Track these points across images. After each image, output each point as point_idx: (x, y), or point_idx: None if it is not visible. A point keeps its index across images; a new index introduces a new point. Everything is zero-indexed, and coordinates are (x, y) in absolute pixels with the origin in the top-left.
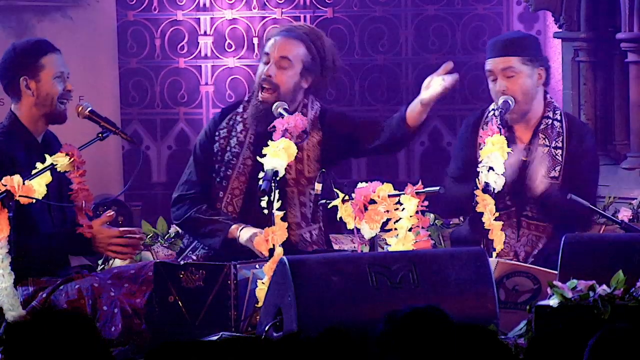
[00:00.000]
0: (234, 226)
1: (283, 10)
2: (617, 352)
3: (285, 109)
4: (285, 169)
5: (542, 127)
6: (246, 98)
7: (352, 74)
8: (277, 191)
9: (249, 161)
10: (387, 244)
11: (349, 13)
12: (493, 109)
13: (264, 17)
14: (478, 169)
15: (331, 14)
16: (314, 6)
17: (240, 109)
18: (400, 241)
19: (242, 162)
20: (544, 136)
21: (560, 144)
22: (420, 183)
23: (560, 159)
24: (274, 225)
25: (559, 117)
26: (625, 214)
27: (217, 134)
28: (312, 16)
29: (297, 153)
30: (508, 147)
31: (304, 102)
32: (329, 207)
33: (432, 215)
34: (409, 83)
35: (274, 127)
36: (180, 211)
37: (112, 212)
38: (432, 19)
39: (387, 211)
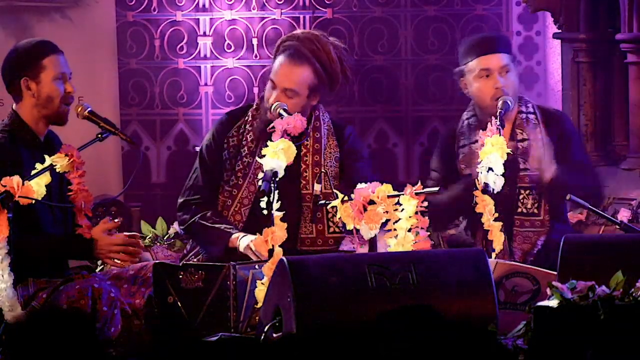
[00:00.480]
0: (234, 236)
1: (282, 11)
2: None
3: (284, 110)
4: (302, 183)
5: (517, 122)
6: (255, 105)
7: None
8: (276, 192)
9: (259, 171)
10: (386, 245)
11: (348, 14)
12: (467, 118)
13: (263, 18)
14: (477, 170)
15: (330, 14)
16: (313, 7)
17: (249, 117)
18: (399, 242)
19: (252, 172)
20: (520, 131)
21: (539, 135)
22: (419, 184)
23: (541, 149)
24: (274, 225)
25: (531, 110)
26: (624, 215)
27: (225, 141)
28: (312, 17)
29: (315, 169)
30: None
31: (315, 115)
32: (328, 207)
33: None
34: (408, 84)
35: (273, 127)
36: (186, 216)
37: (118, 220)
38: (432, 19)
39: (387, 212)
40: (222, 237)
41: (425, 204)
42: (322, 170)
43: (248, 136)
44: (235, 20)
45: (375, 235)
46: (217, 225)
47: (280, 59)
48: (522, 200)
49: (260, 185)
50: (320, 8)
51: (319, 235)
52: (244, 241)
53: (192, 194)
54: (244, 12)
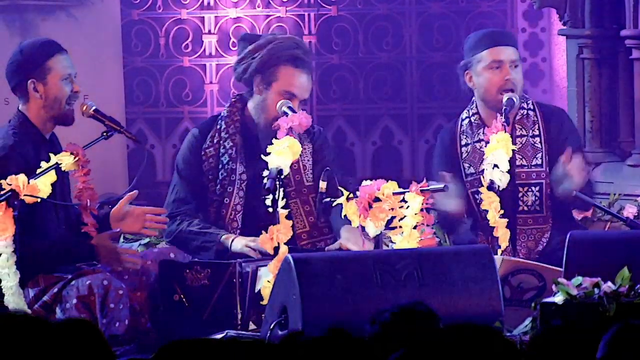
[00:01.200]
0: (223, 237)
1: (287, 8)
2: (635, 347)
3: (289, 107)
4: (285, 181)
5: (517, 118)
6: (225, 113)
7: (356, 72)
8: (281, 189)
9: (244, 176)
10: (391, 242)
11: (353, 11)
12: (468, 116)
13: (268, 16)
14: (483, 167)
15: (335, 12)
16: (318, 4)
17: (222, 125)
18: (405, 239)
19: (238, 178)
20: (520, 126)
21: (537, 132)
22: (425, 181)
23: (539, 146)
24: (279, 223)
25: (531, 107)
26: (630, 211)
27: (203, 153)
28: (317, 14)
29: (294, 164)
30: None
31: None
32: (333, 205)
33: (436, 213)
34: (413, 81)
35: (278, 125)
36: (172, 227)
37: (119, 230)
38: (436, 16)
39: (392, 209)
40: (213, 240)
41: (431, 201)
42: (327, 167)
43: (226, 144)
44: (240, 18)
45: (381, 233)
46: (204, 230)
47: (291, 70)
48: (522, 198)
49: (265, 183)
50: (325, 5)
51: (313, 228)
52: (237, 243)
53: (176, 207)
54: (249, 10)
